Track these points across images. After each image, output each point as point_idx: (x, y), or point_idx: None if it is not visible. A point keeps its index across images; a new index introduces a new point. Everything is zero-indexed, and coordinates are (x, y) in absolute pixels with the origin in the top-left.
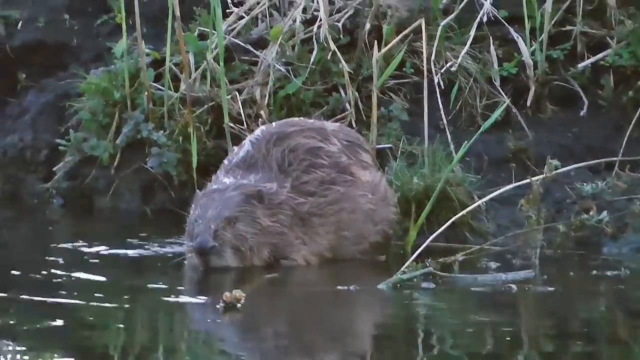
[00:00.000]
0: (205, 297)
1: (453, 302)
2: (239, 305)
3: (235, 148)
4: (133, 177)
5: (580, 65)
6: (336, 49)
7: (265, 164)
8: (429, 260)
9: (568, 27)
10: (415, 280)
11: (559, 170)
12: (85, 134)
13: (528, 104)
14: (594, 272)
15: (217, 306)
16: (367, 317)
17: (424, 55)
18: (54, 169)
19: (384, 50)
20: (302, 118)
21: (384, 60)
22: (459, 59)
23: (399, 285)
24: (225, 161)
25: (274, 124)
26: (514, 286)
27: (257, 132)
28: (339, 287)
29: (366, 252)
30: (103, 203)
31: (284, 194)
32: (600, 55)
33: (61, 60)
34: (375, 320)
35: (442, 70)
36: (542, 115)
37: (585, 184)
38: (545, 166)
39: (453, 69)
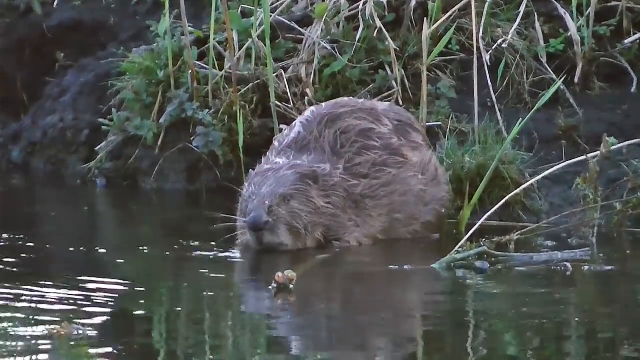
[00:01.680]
0: (256, 277)
1: (508, 282)
2: (291, 286)
3: (286, 129)
4: (178, 157)
5: (627, 40)
6: (382, 26)
7: (317, 145)
8: (483, 239)
9: (613, 3)
10: (469, 259)
11: (613, 147)
12: (128, 113)
13: (575, 80)
14: None
15: (270, 287)
16: (420, 298)
17: (474, 32)
18: (96, 148)
19: (433, 26)
20: (351, 98)
21: (429, 37)
22: (509, 35)
23: (452, 264)
24: (276, 142)
25: (323, 104)
26: (569, 265)
27: (308, 112)
28: (392, 267)
29: (418, 232)
30: (147, 183)
31: (337, 176)
32: None
33: (99, 39)
34: (429, 300)
35: (493, 47)
36: (590, 92)
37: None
38: (602, 143)
39: (504, 45)
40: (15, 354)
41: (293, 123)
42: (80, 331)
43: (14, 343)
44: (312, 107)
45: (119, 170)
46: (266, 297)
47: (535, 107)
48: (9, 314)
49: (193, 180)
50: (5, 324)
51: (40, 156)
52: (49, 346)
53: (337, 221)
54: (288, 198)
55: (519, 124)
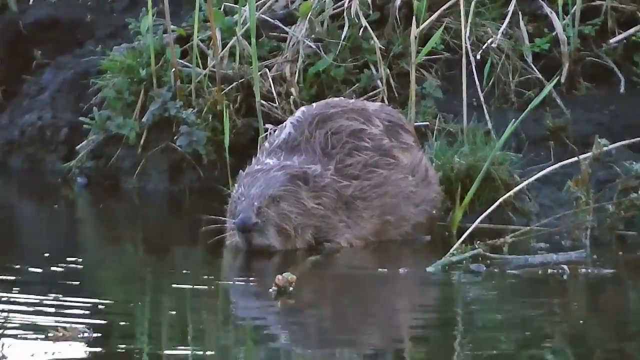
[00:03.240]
0: (252, 281)
1: (504, 285)
2: (290, 289)
3: (276, 129)
4: (160, 157)
5: (612, 40)
6: (367, 25)
7: (308, 146)
8: (477, 242)
9: (598, 2)
10: (464, 262)
11: (605, 149)
12: (109, 112)
13: (562, 80)
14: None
15: (270, 290)
16: (418, 301)
17: (462, 32)
18: (77, 147)
19: (422, 26)
20: (342, 98)
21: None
22: (498, 35)
23: (447, 267)
24: (266, 143)
25: (314, 105)
26: (566, 267)
27: (298, 113)
28: (387, 270)
29: (409, 234)
30: (129, 183)
31: (328, 177)
32: (632, 31)
33: (75, 37)
34: (427, 303)
35: (483, 47)
36: (576, 93)
37: (632, 162)
38: (594, 145)
39: (493, 45)
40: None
41: (284, 124)
42: (86, 333)
43: (20, 346)
44: (302, 108)
45: (100, 170)
46: (266, 301)
47: (527, 110)
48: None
49: (176, 180)
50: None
51: (18, 155)
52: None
53: (327, 222)
54: (278, 199)
55: (511, 126)
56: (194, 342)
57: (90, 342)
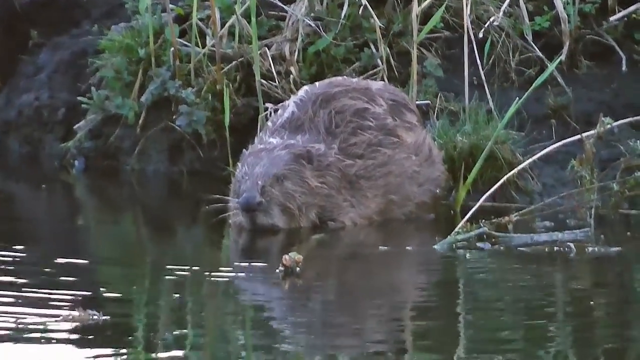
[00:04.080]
0: (257, 261)
1: (510, 263)
2: (298, 269)
3: (279, 108)
4: (160, 137)
5: (613, 18)
6: (367, 4)
7: (312, 125)
8: (482, 220)
9: None
10: (470, 240)
11: (609, 126)
12: (108, 92)
13: (563, 59)
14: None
15: (277, 270)
16: (425, 279)
17: (464, 10)
18: (74, 127)
19: (424, 4)
20: (346, 77)
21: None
22: (500, 13)
23: (453, 245)
24: (269, 122)
25: (317, 84)
26: (572, 245)
27: (301, 92)
28: (393, 248)
29: (413, 213)
30: (128, 163)
31: (332, 156)
32: (632, 8)
33: (72, 17)
34: (433, 281)
35: (485, 26)
36: (577, 71)
37: (637, 141)
38: (598, 124)
39: (495, 23)
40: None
41: (286, 103)
42: (95, 317)
43: (29, 329)
44: (306, 87)
45: (99, 150)
46: (274, 281)
47: (530, 89)
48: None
49: (175, 160)
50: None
51: (15, 136)
52: (65, 333)
53: (332, 202)
54: (282, 179)
55: (515, 104)
56: (199, 325)
57: (100, 326)
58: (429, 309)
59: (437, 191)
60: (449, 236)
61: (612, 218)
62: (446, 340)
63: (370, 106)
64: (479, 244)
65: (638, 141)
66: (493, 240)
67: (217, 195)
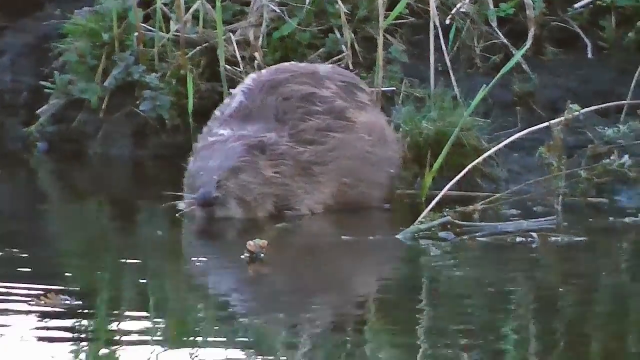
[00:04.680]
0: (220, 248)
1: (473, 252)
2: (262, 255)
3: (227, 98)
4: (124, 121)
5: (578, 5)
6: None
7: (260, 114)
8: (446, 209)
9: None
10: (433, 229)
11: (577, 113)
12: (71, 76)
13: (527, 45)
14: (612, 219)
15: (242, 257)
16: (385, 268)
17: None
18: (38, 111)
19: None
20: (293, 63)
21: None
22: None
23: (416, 235)
24: (217, 112)
25: (264, 71)
26: (535, 235)
27: (248, 80)
28: (356, 237)
29: (369, 195)
30: (92, 148)
31: (284, 144)
32: None
33: (35, 0)
34: (394, 270)
35: (452, 12)
36: (543, 58)
37: (604, 128)
38: (566, 111)
39: (462, 10)
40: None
41: (234, 92)
42: (67, 301)
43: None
44: (252, 75)
45: (62, 134)
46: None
47: (498, 76)
48: None
49: (139, 145)
50: None
51: None
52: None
53: (287, 190)
54: (237, 171)
55: (482, 91)
56: (161, 312)
57: (72, 310)
58: (380, 300)
59: (391, 171)
60: (412, 225)
61: (580, 206)
62: (399, 330)
63: (318, 90)
64: (441, 234)
65: (606, 128)
66: (457, 229)
67: (172, 192)
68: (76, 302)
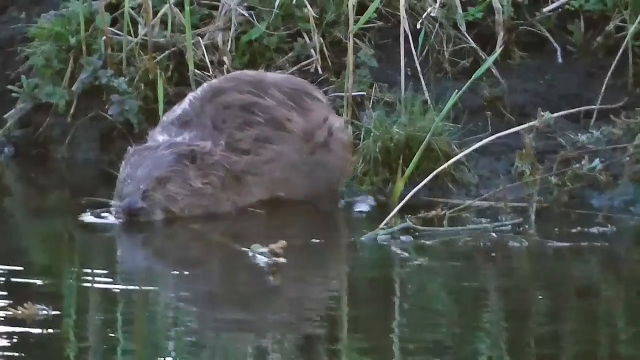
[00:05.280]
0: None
1: (430, 257)
2: (282, 257)
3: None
4: (91, 126)
5: (546, 9)
6: None
7: (199, 121)
8: (409, 215)
9: None
10: (394, 234)
11: (547, 119)
12: (38, 80)
13: (498, 51)
14: (580, 228)
15: (268, 261)
16: (340, 271)
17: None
18: (5, 116)
19: None
20: (244, 71)
21: (346, 5)
22: (437, 4)
23: (376, 238)
24: (164, 117)
25: (217, 79)
26: (494, 237)
27: (200, 88)
28: (316, 240)
29: (311, 203)
30: (59, 152)
31: (218, 153)
32: None
33: None
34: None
35: (423, 17)
36: (511, 62)
37: (578, 134)
38: (537, 118)
39: (433, 14)
40: None
41: (184, 99)
42: (44, 312)
43: None
44: (206, 83)
45: (29, 139)
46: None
47: (470, 81)
48: None
49: (107, 149)
50: None
51: None
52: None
53: (215, 200)
54: (164, 181)
55: (454, 96)
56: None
57: (49, 322)
58: (331, 301)
59: (333, 178)
60: (375, 230)
61: (551, 212)
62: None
63: (261, 99)
64: (402, 238)
65: (579, 134)
66: (416, 233)
67: (97, 198)
68: (53, 312)
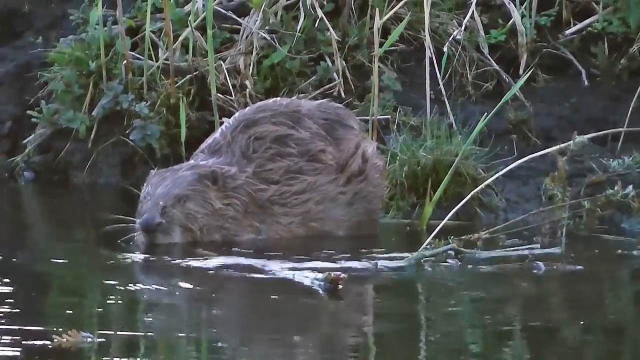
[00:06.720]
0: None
1: (478, 279)
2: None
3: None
4: (112, 151)
5: (569, 31)
6: (324, 16)
7: (228, 149)
8: (451, 237)
9: None
10: (436, 257)
11: (580, 140)
12: (57, 105)
13: (520, 72)
14: (619, 251)
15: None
16: (390, 294)
17: (426, 23)
18: (25, 141)
19: (385, 17)
20: (277, 100)
21: (369, 28)
22: (462, 27)
23: (420, 262)
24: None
25: (248, 108)
26: (540, 263)
27: (232, 118)
28: (364, 264)
29: (351, 233)
30: (80, 178)
31: (243, 179)
32: (587, 22)
33: (13, 28)
34: (399, 297)
35: (449, 40)
36: (535, 85)
37: (610, 159)
38: (572, 140)
39: (458, 37)
40: None
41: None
42: (90, 339)
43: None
44: (238, 112)
45: (49, 164)
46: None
47: (499, 104)
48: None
49: (128, 174)
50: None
51: None
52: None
53: (237, 224)
54: (184, 199)
55: (482, 121)
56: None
57: (95, 349)
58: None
59: (371, 206)
60: (416, 252)
61: (584, 236)
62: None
63: (295, 131)
64: (448, 261)
65: (611, 160)
66: (460, 256)
67: (119, 216)
68: (98, 340)
